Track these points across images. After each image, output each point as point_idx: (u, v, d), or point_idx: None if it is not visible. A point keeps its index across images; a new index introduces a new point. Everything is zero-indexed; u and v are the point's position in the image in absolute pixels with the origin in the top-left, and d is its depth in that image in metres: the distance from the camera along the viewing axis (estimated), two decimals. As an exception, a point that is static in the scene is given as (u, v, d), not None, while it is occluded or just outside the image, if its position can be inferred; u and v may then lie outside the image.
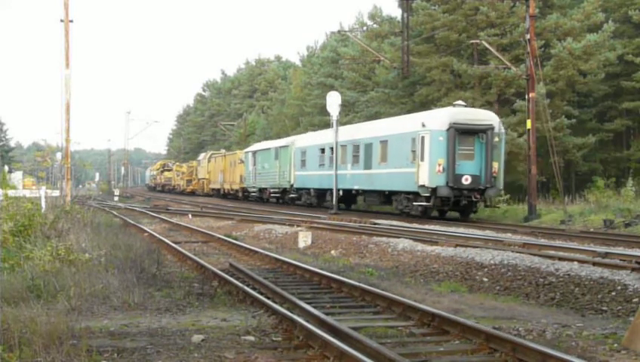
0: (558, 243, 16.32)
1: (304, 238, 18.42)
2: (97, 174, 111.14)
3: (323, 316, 8.19)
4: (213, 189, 56.91)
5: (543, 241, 16.79)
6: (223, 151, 60.04)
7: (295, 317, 8.14)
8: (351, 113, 46.77)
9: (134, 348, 7.22)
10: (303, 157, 35.37)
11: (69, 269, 11.24)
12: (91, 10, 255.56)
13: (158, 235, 19.90)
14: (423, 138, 24.07)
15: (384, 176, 26.76)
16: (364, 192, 29.52)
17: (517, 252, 13.93)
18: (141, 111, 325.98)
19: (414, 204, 24.93)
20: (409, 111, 37.82)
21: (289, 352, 7.21)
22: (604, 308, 9.80)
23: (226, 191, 52.43)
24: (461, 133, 23.70)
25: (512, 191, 33.38)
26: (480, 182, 23.75)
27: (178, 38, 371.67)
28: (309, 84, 57.65)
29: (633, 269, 11.34)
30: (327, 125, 40.01)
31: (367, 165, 28.33)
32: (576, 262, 12.34)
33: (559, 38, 35.08)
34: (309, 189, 34.87)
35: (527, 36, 26.69)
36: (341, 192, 30.38)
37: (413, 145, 24.57)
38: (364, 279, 12.16)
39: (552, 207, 28.49)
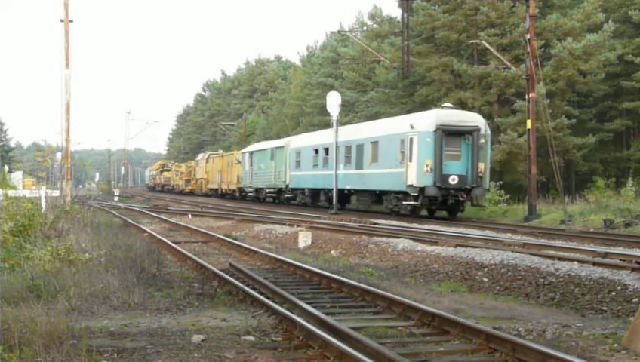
0: (558, 243, 16.32)
1: (304, 238, 18.42)
2: (97, 174, 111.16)
3: (323, 316, 8.19)
4: (211, 189, 57.40)
5: (543, 241, 16.79)
6: (220, 151, 60.78)
7: (295, 317, 8.14)
8: (351, 113, 46.77)
9: (134, 348, 7.22)
10: (297, 157, 35.99)
11: (69, 269, 11.24)
12: (91, 10, 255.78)
13: (158, 235, 19.90)
14: (411, 139, 24.82)
15: (375, 176, 27.43)
16: (357, 192, 30.09)
17: (517, 252, 13.93)
18: (141, 111, 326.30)
19: (403, 203, 25.63)
20: (409, 112, 37.86)
21: (289, 352, 7.21)
22: (604, 308, 9.80)
23: (223, 191, 52.94)
24: (448, 134, 24.35)
25: (512, 191, 33.41)
26: (466, 182, 24.38)
27: (178, 38, 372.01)
28: (309, 84, 57.66)
29: (633, 269, 11.34)
30: (327, 125, 40.06)
31: (359, 165, 28.98)
32: (576, 262, 12.34)
33: (559, 38, 35.09)
34: (303, 189, 35.54)
35: (527, 36, 26.69)
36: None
37: (402, 146, 25.28)
38: (364, 279, 12.16)
39: (552, 207, 28.49)
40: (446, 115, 24.90)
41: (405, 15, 32.73)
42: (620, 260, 12.56)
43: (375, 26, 47.91)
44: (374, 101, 43.71)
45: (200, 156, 63.84)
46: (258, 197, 42.81)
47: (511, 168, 36.72)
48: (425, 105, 38.61)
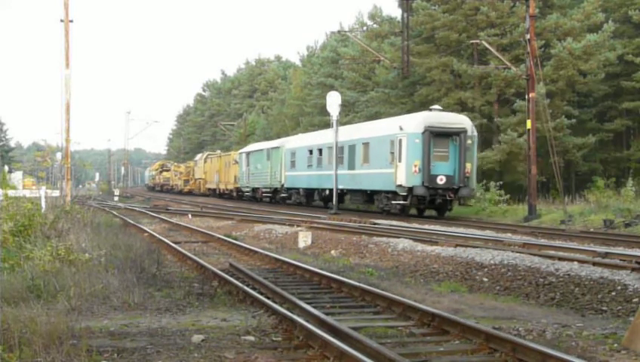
0: (558, 243, 16.31)
1: (304, 238, 18.42)
2: (97, 174, 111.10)
3: (323, 316, 8.19)
4: (209, 189, 57.96)
5: (543, 241, 16.78)
6: (218, 151, 61.35)
7: (295, 317, 8.14)
8: (351, 113, 46.78)
9: (134, 348, 7.22)
10: (292, 158, 36.69)
11: (69, 269, 11.24)
12: (91, 10, 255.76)
13: (158, 235, 19.90)
14: (400, 140, 25.53)
15: (366, 176, 28.08)
16: (349, 191, 30.69)
17: (517, 252, 13.93)
18: (141, 111, 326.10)
19: (393, 202, 26.32)
20: (409, 112, 37.88)
21: (289, 352, 7.21)
22: (604, 308, 9.80)
23: (221, 190, 53.56)
24: (436, 135, 25.02)
25: (512, 191, 33.41)
26: (454, 182, 25.06)
27: (178, 38, 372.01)
28: (309, 84, 57.66)
29: (633, 269, 11.33)
30: (327, 125, 40.13)
31: (351, 166, 29.62)
32: (576, 262, 12.33)
33: (559, 38, 35.10)
34: (298, 189, 36.25)
35: (527, 36, 26.69)
36: (327, 191, 31.91)
37: (392, 147, 26.00)
38: (364, 279, 12.16)
39: (552, 207, 28.49)
40: (434, 117, 25.56)
41: (405, 15, 32.74)
42: (620, 260, 12.56)
43: (375, 26, 47.92)
44: (374, 101, 43.72)
45: (198, 156, 64.48)
46: (255, 196, 43.39)
47: (511, 168, 36.72)
48: (425, 105, 38.58)
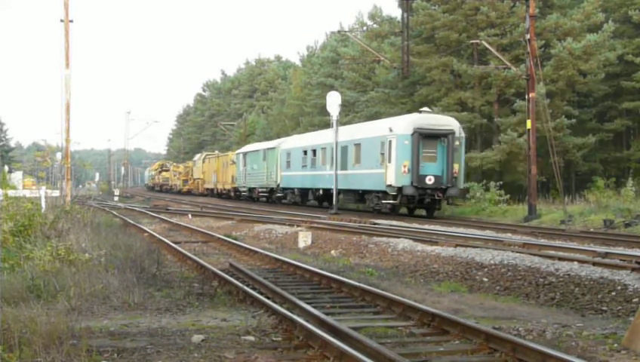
0: (558, 243, 16.31)
1: (304, 238, 18.42)
2: (97, 174, 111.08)
3: (323, 316, 8.19)
4: (207, 189, 58.60)
5: (543, 241, 16.78)
6: (216, 152, 61.93)
7: (295, 317, 8.14)
8: (351, 113, 46.78)
9: (134, 348, 7.22)
10: (288, 158, 37.44)
11: (69, 269, 11.24)
12: (91, 10, 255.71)
13: (158, 235, 19.89)
14: (390, 142, 26.22)
15: (358, 177, 28.61)
16: (342, 191, 31.10)
17: (517, 252, 13.93)
18: (141, 111, 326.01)
19: (383, 202, 27.01)
20: (409, 112, 37.86)
21: (289, 352, 7.21)
22: (604, 308, 9.80)
23: (219, 190, 54.21)
24: (424, 137, 25.74)
25: (512, 191, 33.42)
26: (442, 182, 25.74)
27: (178, 38, 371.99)
28: (309, 84, 57.66)
29: (633, 269, 11.33)
30: (327, 125, 40.20)
31: (344, 166, 30.01)
32: (576, 262, 12.33)
33: (559, 38, 35.09)
34: (293, 189, 37.02)
35: (527, 36, 26.68)
36: (321, 191, 33.09)
37: (382, 148, 26.70)
38: (364, 279, 12.15)
39: (552, 207, 28.49)
40: (423, 119, 26.30)
41: (405, 15, 32.73)
42: (620, 260, 12.56)
43: (375, 26, 47.91)
44: (374, 101, 43.72)
45: (197, 156, 65.12)
46: (252, 196, 44.03)
47: (511, 168, 36.73)
48: (425, 105, 38.56)
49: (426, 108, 28.23)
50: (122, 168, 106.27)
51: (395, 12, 66.45)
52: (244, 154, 45.08)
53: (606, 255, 13.24)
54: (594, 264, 12.13)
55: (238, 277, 11.95)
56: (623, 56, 36.12)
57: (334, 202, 29.08)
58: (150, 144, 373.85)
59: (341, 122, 32.66)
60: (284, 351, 7.26)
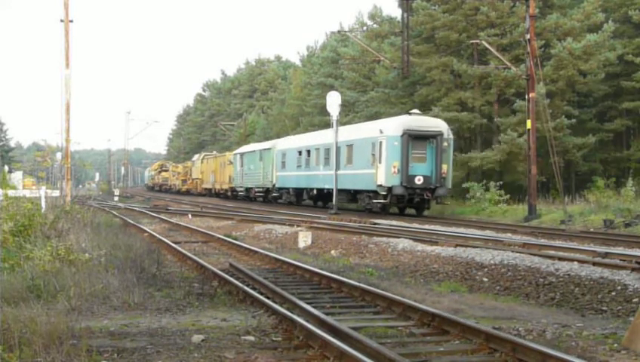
0: (558, 243, 16.31)
1: (304, 238, 18.42)
2: (97, 174, 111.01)
3: (323, 316, 8.19)
4: (205, 189, 59.32)
5: (543, 241, 16.79)
6: (214, 152, 62.96)
7: (295, 317, 8.14)
8: (351, 113, 46.77)
9: (134, 348, 7.22)
10: (283, 158, 38.19)
11: (69, 269, 11.24)
12: (91, 10, 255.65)
13: (158, 235, 19.90)
14: (380, 143, 26.92)
15: (350, 177, 29.13)
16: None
17: (517, 252, 13.93)
18: (141, 111, 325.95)
19: (374, 201, 27.64)
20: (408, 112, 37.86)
21: (289, 352, 7.21)
22: (604, 308, 9.80)
23: (216, 190, 55.06)
24: (414, 138, 26.43)
25: (512, 191, 33.41)
26: (431, 182, 26.44)
27: (178, 38, 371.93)
28: (309, 84, 57.64)
29: (633, 269, 11.34)
30: (327, 125, 40.24)
31: (337, 166, 30.25)
32: (576, 262, 12.33)
33: (559, 38, 35.06)
34: (288, 189, 37.77)
35: (527, 36, 26.68)
36: (315, 191, 33.89)
37: (373, 149, 27.40)
38: (364, 279, 12.16)
39: (552, 207, 28.49)
40: (412, 121, 27.06)
41: (405, 15, 32.74)
42: (620, 260, 12.56)
43: (375, 26, 47.89)
44: (374, 101, 43.70)
45: (196, 157, 65.95)
46: (248, 196, 44.67)
47: (511, 168, 36.71)
48: (425, 105, 38.58)
49: (415, 111, 28.92)
50: (122, 168, 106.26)
51: (395, 12, 66.52)
52: (241, 154, 45.80)
53: (606, 255, 13.25)
54: (594, 264, 12.13)
55: (238, 277, 11.95)
56: (623, 56, 36.10)
57: (334, 202, 29.11)
58: (150, 144, 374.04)
59: (341, 122, 32.71)
60: (284, 351, 7.26)
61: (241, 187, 45.86)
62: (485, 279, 12.28)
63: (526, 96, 28.56)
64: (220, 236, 19.83)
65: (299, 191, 36.46)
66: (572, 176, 39.48)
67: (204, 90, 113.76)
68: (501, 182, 33.00)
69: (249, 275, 11.95)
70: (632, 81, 36.04)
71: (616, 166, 39.29)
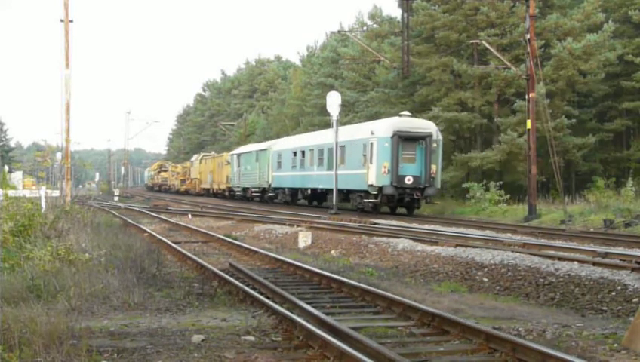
0: (558, 243, 16.31)
1: (304, 238, 18.42)
2: (97, 174, 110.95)
3: (323, 316, 8.19)
4: (203, 189, 59.95)
5: (543, 241, 16.79)
6: (212, 153, 63.75)
7: (295, 317, 8.14)
8: (351, 113, 46.77)
9: (134, 348, 7.22)
10: (279, 159, 38.97)
11: (69, 269, 11.23)
12: (91, 10, 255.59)
13: (158, 235, 19.90)
14: (371, 144, 27.60)
15: (342, 177, 29.58)
16: (328, 191, 32.31)
17: (517, 252, 13.93)
18: (141, 111, 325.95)
19: (365, 200, 28.30)
20: (409, 112, 37.84)
21: (289, 352, 7.21)
22: (604, 308, 9.80)
23: (214, 190, 55.71)
24: (404, 139, 27.06)
25: (512, 191, 33.41)
26: (420, 182, 27.08)
27: (178, 38, 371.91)
28: (309, 84, 57.63)
29: (633, 269, 11.34)
30: (327, 125, 40.26)
31: (330, 167, 31.05)
32: (576, 262, 12.33)
33: (559, 38, 35.06)
34: (284, 188, 38.51)
35: (527, 36, 26.68)
36: (309, 191, 34.70)
37: (364, 150, 28.10)
38: (364, 279, 12.16)
39: (552, 207, 28.49)
40: (402, 123, 27.70)
41: (405, 15, 32.73)
42: (620, 260, 12.56)
43: (375, 26, 47.88)
44: (374, 101, 43.70)
45: (194, 157, 66.66)
46: (245, 196, 45.32)
47: (511, 168, 36.70)
48: (425, 105, 38.59)
49: (405, 113, 29.45)
50: (122, 168, 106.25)
51: (395, 12, 66.50)
52: (238, 155, 46.61)
53: (606, 255, 13.25)
54: (594, 264, 12.13)
55: (238, 277, 11.95)
56: (623, 56, 36.09)
57: (334, 202, 29.13)
58: (150, 144, 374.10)
59: (341, 122, 32.75)
60: (284, 351, 7.26)
61: (238, 187, 46.56)
62: (485, 279, 12.28)
63: (526, 96, 28.56)
64: (220, 236, 19.83)
65: (294, 191, 37.10)
66: (572, 176, 39.48)
67: (204, 90, 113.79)
68: (501, 182, 33.01)
69: (249, 275, 11.95)
70: (632, 81, 36.03)
71: (616, 166, 39.28)
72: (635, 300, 9.81)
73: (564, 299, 10.52)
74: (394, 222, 22.89)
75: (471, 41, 33.96)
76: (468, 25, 36.85)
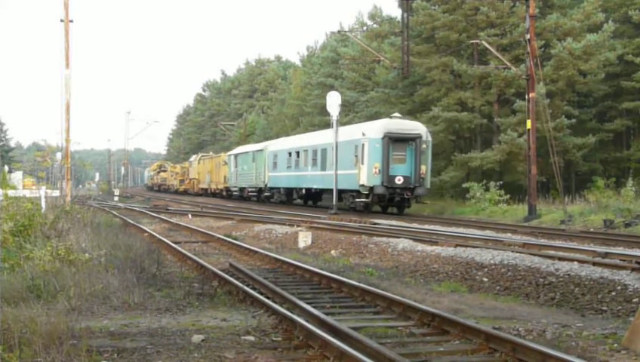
0: (558, 243, 16.31)
1: (304, 238, 18.42)
2: (97, 174, 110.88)
3: (323, 316, 8.19)
4: (201, 188, 60.50)
5: (543, 241, 16.78)
6: (210, 153, 64.37)
7: (295, 317, 8.14)
8: (351, 113, 46.77)
9: (134, 348, 7.22)
10: (274, 159, 39.63)
11: (69, 269, 11.23)
12: (91, 10, 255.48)
13: (158, 235, 19.90)
14: (363, 145, 28.17)
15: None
16: (322, 190, 33.20)
17: (517, 252, 13.93)
18: (141, 111, 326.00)
19: (357, 200, 28.90)
20: (409, 112, 37.93)
21: (289, 352, 7.21)
22: (604, 308, 9.80)
23: (212, 190, 56.34)
24: (394, 140, 27.64)
25: (512, 191, 33.41)
26: (410, 182, 27.64)
27: (178, 38, 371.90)
28: (309, 84, 57.64)
29: (633, 269, 11.33)
30: (327, 125, 40.27)
31: (323, 167, 32.17)
32: (576, 262, 12.33)
33: (559, 38, 35.06)
34: (279, 188, 39.14)
35: (527, 36, 26.68)
36: (304, 190, 35.43)
37: (356, 150, 28.67)
38: (364, 279, 12.15)
39: (552, 207, 28.49)
40: (393, 124, 28.23)
41: (405, 15, 32.71)
42: (620, 260, 12.56)
43: (375, 26, 47.89)
44: (374, 101, 43.71)
45: (193, 157, 67.20)
46: (242, 195, 45.86)
47: (511, 168, 36.71)
48: (425, 105, 38.59)
49: (396, 114, 29.91)
50: (122, 168, 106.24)
51: (395, 12, 66.52)
52: (235, 155, 47.33)
53: (606, 255, 13.24)
54: (594, 264, 12.13)
55: (238, 277, 11.95)
56: (623, 56, 36.09)
57: (334, 202, 29.15)
58: (150, 144, 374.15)
59: (341, 122, 32.78)
60: (284, 351, 7.26)
61: (235, 187, 47.22)
62: (485, 279, 12.28)
63: (526, 96, 28.56)
64: (220, 236, 19.83)
65: (289, 191, 37.78)
66: (572, 176, 39.48)
67: (204, 90, 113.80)
68: (501, 182, 33.01)
69: (249, 275, 11.95)
70: (632, 81, 36.03)
71: (616, 166, 39.28)
72: (635, 300, 9.81)
73: (564, 299, 10.52)
74: (394, 222, 22.89)
75: (471, 41, 33.97)
76: (468, 25, 36.85)
